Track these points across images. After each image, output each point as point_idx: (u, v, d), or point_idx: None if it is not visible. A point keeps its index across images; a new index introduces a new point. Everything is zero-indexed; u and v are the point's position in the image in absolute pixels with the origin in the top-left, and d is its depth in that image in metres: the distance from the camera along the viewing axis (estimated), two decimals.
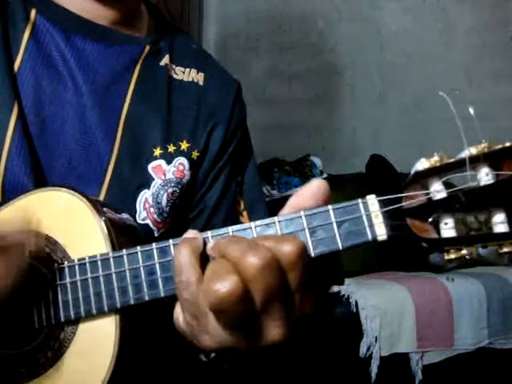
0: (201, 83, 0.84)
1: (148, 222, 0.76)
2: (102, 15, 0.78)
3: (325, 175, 3.21)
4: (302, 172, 3.16)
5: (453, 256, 0.48)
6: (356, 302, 2.21)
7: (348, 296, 2.23)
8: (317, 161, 3.25)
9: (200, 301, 0.49)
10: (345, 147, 3.45)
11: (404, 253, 2.63)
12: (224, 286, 0.46)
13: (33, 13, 0.76)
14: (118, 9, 0.79)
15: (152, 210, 0.76)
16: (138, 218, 0.75)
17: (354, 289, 2.26)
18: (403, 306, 2.25)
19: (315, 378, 2.10)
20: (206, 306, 0.49)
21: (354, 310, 2.20)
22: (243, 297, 0.46)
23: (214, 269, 0.48)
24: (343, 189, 2.91)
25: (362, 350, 2.17)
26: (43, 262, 0.59)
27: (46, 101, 0.74)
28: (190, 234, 0.53)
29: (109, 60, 0.78)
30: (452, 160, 0.48)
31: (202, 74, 0.85)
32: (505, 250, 0.47)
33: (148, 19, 0.86)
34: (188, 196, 0.83)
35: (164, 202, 0.77)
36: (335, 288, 2.24)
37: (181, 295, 0.51)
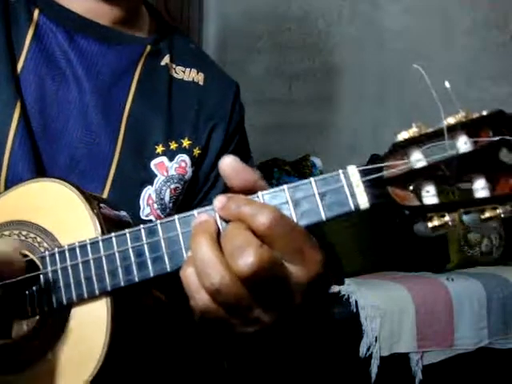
0: (201, 83, 0.85)
1: (152, 218, 0.77)
2: (104, 15, 0.79)
3: None
4: (302, 172, 3.16)
5: (436, 223, 0.48)
6: (356, 302, 2.21)
7: (348, 296, 2.23)
8: (317, 161, 3.25)
9: (239, 288, 0.48)
10: (345, 147, 3.45)
11: (404, 253, 2.63)
12: (250, 254, 0.47)
13: (36, 13, 0.77)
14: (120, 8, 0.79)
15: (155, 206, 0.77)
16: (141, 215, 0.76)
17: (354, 289, 2.26)
18: (403, 306, 2.25)
19: (315, 378, 2.10)
20: (242, 286, 0.48)
21: (354, 310, 2.20)
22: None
23: (235, 243, 0.48)
24: None
25: (362, 350, 2.17)
26: (33, 250, 0.60)
27: (49, 100, 0.74)
28: (202, 217, 0.52)
29: (111, 59, 0.78)
30: (430, 130, 0.49)
31: (202, 75, 0.86)
32: (487, 215, 0.48)
33: (149, 20, 0.87)
34: (191, 193, 0.84)
35: (167, 198, 0.78)
36: (335, 288, 2.24)
37: (211, 288, 0.48)
